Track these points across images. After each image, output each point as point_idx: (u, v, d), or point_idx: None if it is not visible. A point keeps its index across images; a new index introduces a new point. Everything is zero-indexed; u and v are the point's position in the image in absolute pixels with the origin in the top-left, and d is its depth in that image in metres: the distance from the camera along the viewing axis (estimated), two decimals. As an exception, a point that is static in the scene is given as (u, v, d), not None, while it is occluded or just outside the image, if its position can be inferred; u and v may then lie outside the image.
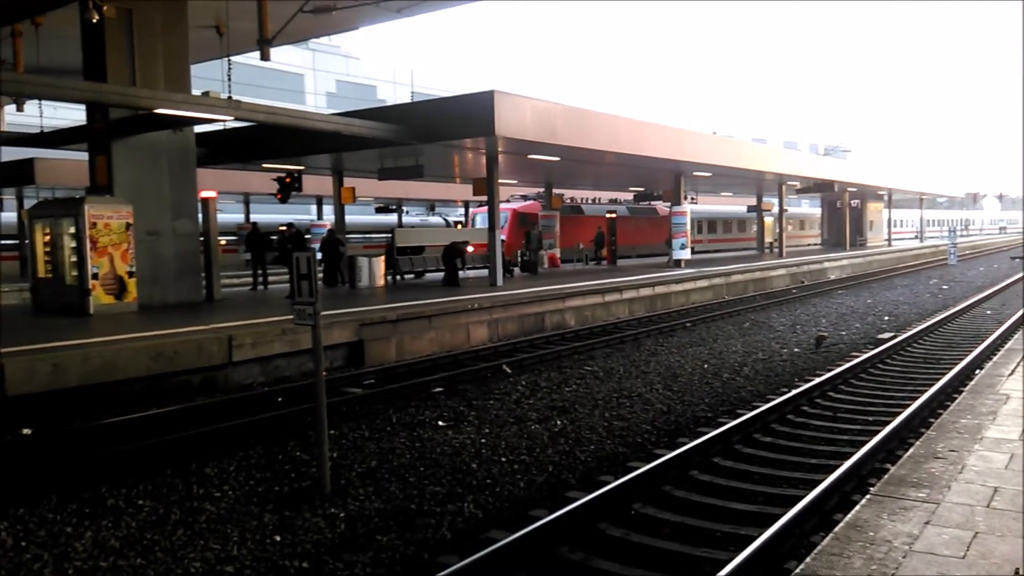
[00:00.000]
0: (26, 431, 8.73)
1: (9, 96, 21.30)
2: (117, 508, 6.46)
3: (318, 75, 51.02)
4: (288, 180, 19.89)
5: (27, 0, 15.64)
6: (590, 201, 38.38)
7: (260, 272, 20.83)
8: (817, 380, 10.52)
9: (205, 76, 19.15)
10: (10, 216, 31.96)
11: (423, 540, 5.72)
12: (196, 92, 15.25)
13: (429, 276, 24.38)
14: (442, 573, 4.83)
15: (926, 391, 9.55)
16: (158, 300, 15.47)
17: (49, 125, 20.35)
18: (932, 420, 8.04)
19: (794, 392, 9.76)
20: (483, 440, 8.35)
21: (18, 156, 25.58)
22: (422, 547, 5.60)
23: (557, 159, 21.30)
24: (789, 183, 35.00)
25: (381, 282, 20.79)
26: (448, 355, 13.38)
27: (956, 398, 7.86)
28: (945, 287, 26.13)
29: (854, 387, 10.70)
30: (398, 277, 22.89)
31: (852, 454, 7.07)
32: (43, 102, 19.88)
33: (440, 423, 9.13)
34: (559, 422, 9.07)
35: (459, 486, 6.91)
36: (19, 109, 23.09)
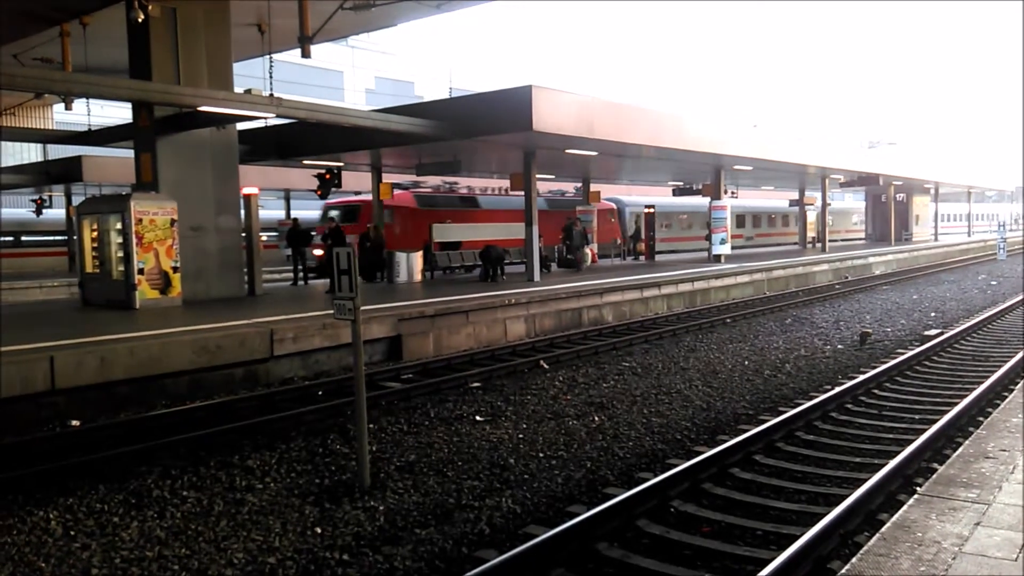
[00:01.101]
0: (75, 423, 8.96)
1: (58, 95, 21.81)
2: (162, 499, 6.59)
3: (357, 72, 51.41)
4: (328, 176, 20.09)
5: (75, 0, 15.99)
6: (497, 191, 30.62)
7: (300, 267, 21.08)
8: (861, 377, 10.32)
9: (247, 74, 19.40)
10: (58, 213, 32.80)
11: (461, 534, 5.73)
12: (238, 89, 15.46)
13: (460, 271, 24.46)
14: (480, 568, 4.83)
15: (975, 389, 9.30)
16: (201, 295, 15.74)
17: (96, 124, 20.85)
18: (982, 419, 7.84)
19: (838, 389, 9.58)
20: (520, 435, 8.35)
21: (66, 154, 26.27)
22: (460, 541, 5.62)
23: (595, 154, 21.18)
24: (832, 176, 34.36)
25: (419, 277, 20.90)
26: (485, 350, 13.40)
27: (1007, 396, 7.65)
28: (994, 283, 25.45)
29: (900, 385, 10.47)
30: (434, 272, 23.00)
31: (898, 453, 6.92)
32: (90, 100, 20.33)
33: (478, 418, 9.15)
34: (597, 418, 9.03)
35: (497, 481, 6.92)
36: (67, 108, 23.61)
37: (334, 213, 26.34)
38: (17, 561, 5.39)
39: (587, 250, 24.91)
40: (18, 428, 8.66)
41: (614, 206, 35.97)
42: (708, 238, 27.88)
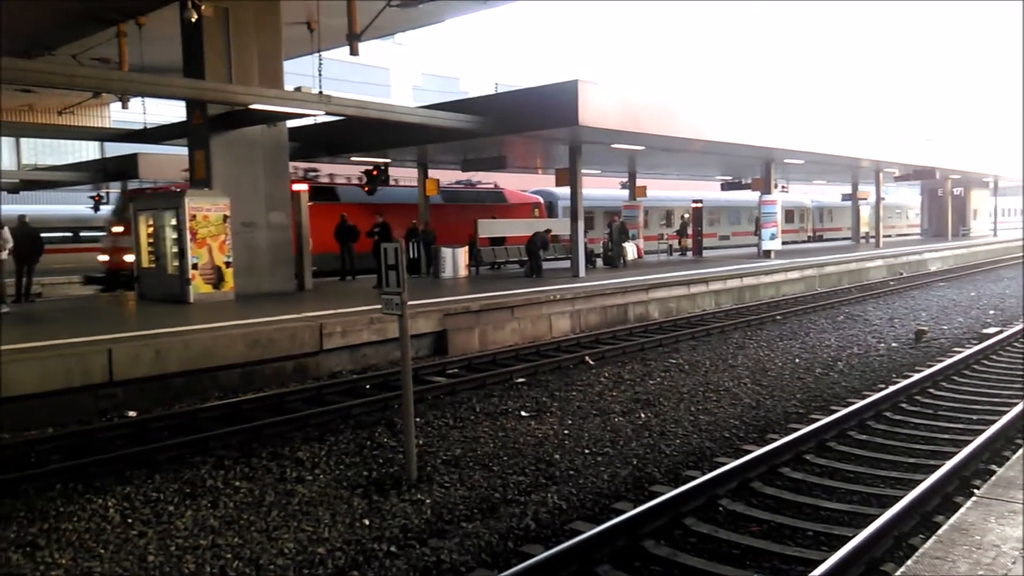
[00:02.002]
0: (131, 413, 9.22)
1: (116, 94, 22.44)
2: (216, 489, 6.74)
3: (403, 68, 51.79)
4: (375, 172, 20.29)
5: (131, 1, 16.40)
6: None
7: (348, 262, 21.30)
8: (917, 376, 10.07)
9: (296, 71, 19.69)
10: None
11: (508, 529, 5.75)
12: (288, 87, 15.70)
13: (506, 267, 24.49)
14: (527, 563, 4.84)
15: (1037, 389, 9.01)
16: (252, 289, 16.05)
17: (151, 122, 21.37)
18: (1044, 420, 7.59)
19: (892, 388, 9.36)
20: (566, 431, 8.34)
21: (123, 152, 26.96)
22: (507, 536, 5.63)
23: (641, 148, 21.01)
24: (887, 170, 33.54)
25: (464, 272, 20.99)
26: (530, 346, 13.41)
27: (1071, 398, 7.38)
28: (1057, 279, 24.59)
29: (956, 384, 10.19)
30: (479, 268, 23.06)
31: (955, 454, 6.74)
32: (146, 99, 20.83)
33: (523, 413, 9.16)
34: (643, 415, 8.97)
35: (542, 476, 6.92)
36: (124, 106, 24.31)
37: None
38: (77, 547, 5.57)
39: (625, 246, 24.51)
40: (79, 418, 8.94)
41: (539, 200, 31.55)
42: (758, 233, 27.47)
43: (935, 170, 34.48)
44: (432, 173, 24.20)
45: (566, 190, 32.81)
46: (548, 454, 7.54)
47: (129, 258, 17.31)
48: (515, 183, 31.36)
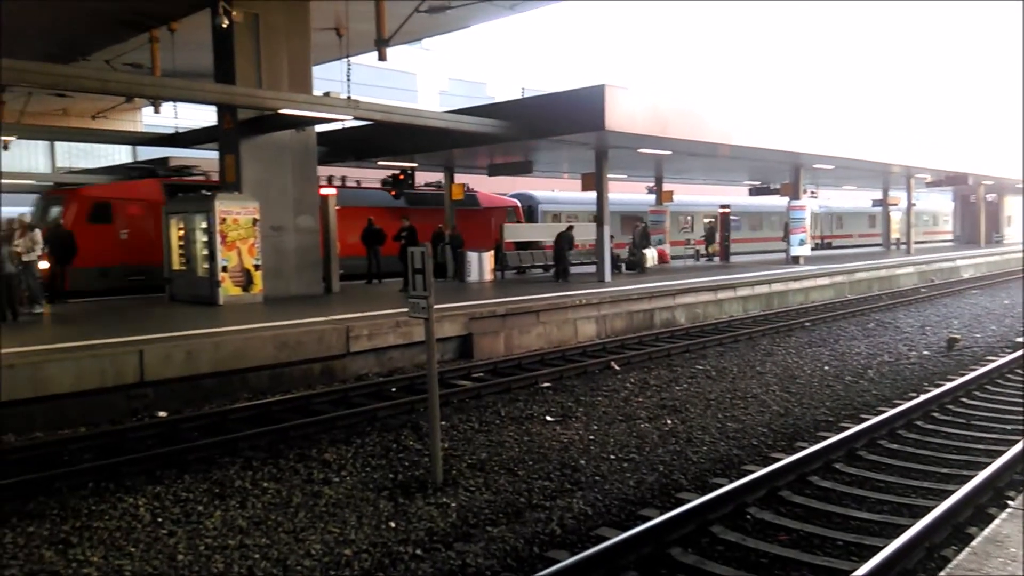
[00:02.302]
0: (162, 414, 9.34)
1: (148, 99, 22.78)
2: (244, 489, 6.80)
3: (430, 73, 52.05)
4: (401, 177, 20.40)
5: (164, 6, 16.66)
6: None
7: (374, 265, 21.42)
8: (949, 385, 9.91)
9: (324, 77, 19.88)
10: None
11: (533, 534, 5.74)
12: (317, 93, 15.85)
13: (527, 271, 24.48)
14: (552, 568, 4.83)
15: (1074, 400, 8.83)
16: (281, 292, 16.20)
17: (182, 126, 21.66)
18: (1081, 431, 7.43)
19: (923, 397, 9.22)
20: (591, 437, 8.31)
21: (154, 156, 27.35)
22: (532, 541, 5.62)
23: (668, 153, 20.92)
24: (918, 176, 33.08)
25: (489, 276, 21.02)
26: (556, 350, 13.39)
27: (1110, 408, 7.22)
28: (1095, 288, 24.07)
29: (990, 393, 10.01)
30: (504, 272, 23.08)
31: (988, 464, 6.62)
32: (177, 104, 21.11)
33: (548, 418, 9.15)
34: (669, 421, 8.91)
35: (568, 482, 6.91)
36: (156, 111, 24.67)
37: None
38: (108, 545, 5.65)
39: (646, 252, 24.20)
40: (111, 418, 9.08)
41: (515, 203, 29.27)
42: (786, 238, 27.23)
43: (968, 176, 33.95)
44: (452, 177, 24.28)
45: (547, 192, 32.14)
46: (573, 459, 7.52)
47: (44, 265, 14.60)
48: (492, 186, 28.95)
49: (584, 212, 31.46)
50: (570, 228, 21.66)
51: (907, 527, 5.34)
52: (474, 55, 53.00)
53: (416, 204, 24.36)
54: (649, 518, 5.76)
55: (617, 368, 12.20)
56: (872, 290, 23.60)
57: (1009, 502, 5.00)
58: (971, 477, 6.32)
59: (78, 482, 6.99)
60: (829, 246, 43.96)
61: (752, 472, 6.68)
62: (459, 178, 27.26)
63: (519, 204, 29.56)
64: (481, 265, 20.81)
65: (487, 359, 12.66)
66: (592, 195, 27.60)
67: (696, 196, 38.30)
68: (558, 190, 33.67)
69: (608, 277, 19.74)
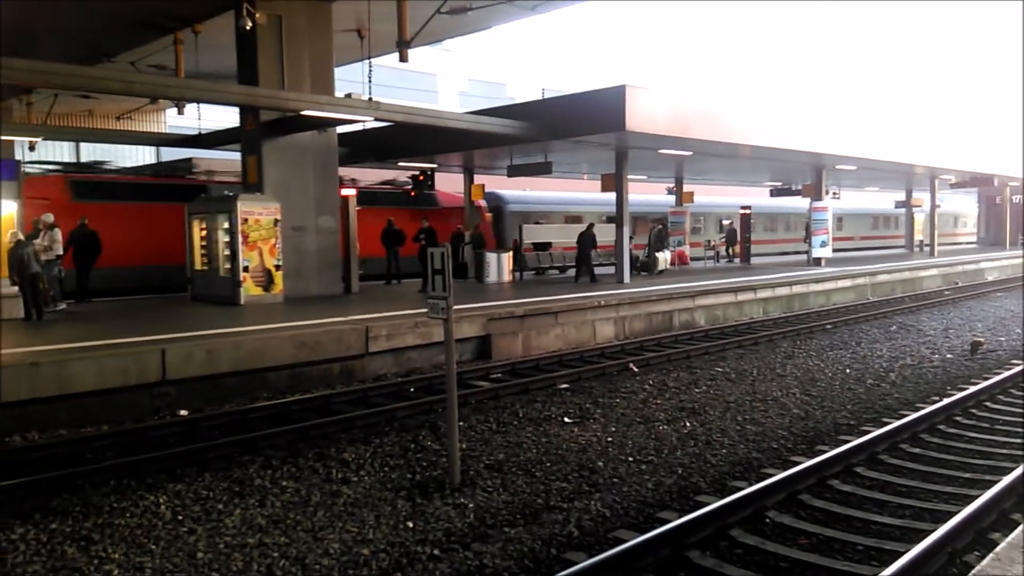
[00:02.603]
0: (183, 412, 9.43)
1: (172, 100, 23.01)
2: (263, 488, 6.85)
3: (450, 74, 52.18)
4: (421, 178, 20.47)
5: (188, 8, 16.83)
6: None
7: (394, 266, 21.50)
8: (972, 389, 9.78)
9: (345, 78, 19.99)
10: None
11: (550, 535, 5.73)
12: (339, 94, 15.94)
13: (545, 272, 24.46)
14: (570, 570, 4.82)
15: (1101, 405, 8.69)
16: (301, 292, 16.31)
17: (205, 127, 21.87)
18: (1109, 437, 7.31)
19: (946, 401, 9.12)
20: (609, 439, 8.29)
21: (177, 156, 27.63)
22: (549, 542, 5.62)
23: (689, 154, 20.83)
24: (942, 177, 32.69)
25: (508, 277, 21.04)
26: (574, 352, 13.37)
27: None
28: (1124, 291, 23.66)
29: (1014, 397, 9.87)
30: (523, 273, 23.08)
31: (1012, 469, 6.53)
32: (200, 105, 21.32)
33: (566, 419, 9.13)
34: (688, 424, 8.87)
35: (586, 483, 6.89)
36: (180, 112, 24.94)
37: None
38: (130, 542, 5.71)
39: (658, 255, 23.86)
40: (133, 416, 9.18)
41: (480, 203, 26.70)
42: (807, 240, 27.02)
43: (993, 177, 33.50)
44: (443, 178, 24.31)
45: (517, 192, 30.02)
46: (591, 461, 7.50)
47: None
48: (457, 184, 27.06)
49: (557, 212, 30.30)
50: (591, 227, 21.50)
51: (929, 532, 5.28)
52: (494, 56, 53.06)
53: (366, 203, 21.82)
54: (667, 521, 5.74)
55: (636, 370, 12.16)
56: (895, 292, 23.36)
57: (1034, 508, 4.94)
58: (995, 482, 6.24)
59: (100, 479, 7.07)
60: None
61: (772, 475, 6.63)
62: (452, 179, 27.01)
63: (483, 204, 27.08)
64: (500, 266, 20.83)
65: (505, 360, 12.67)
66: (567, 195, 26.94)
67: (712, 197, 37.91)
68: (530, 189, 31.43)
69: (627, 278, 19.68)
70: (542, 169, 21.71)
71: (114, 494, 6.73)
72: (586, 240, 20.82)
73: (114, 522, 6.08)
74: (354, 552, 5.50)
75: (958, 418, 8.86)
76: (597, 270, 21.12)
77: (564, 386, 11.03)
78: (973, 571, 3.70)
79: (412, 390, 10.67)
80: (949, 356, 13.06)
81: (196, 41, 18.08)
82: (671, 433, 8.48)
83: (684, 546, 5.37)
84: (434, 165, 21.89)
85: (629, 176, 20.36)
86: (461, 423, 8.54)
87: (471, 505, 6.35)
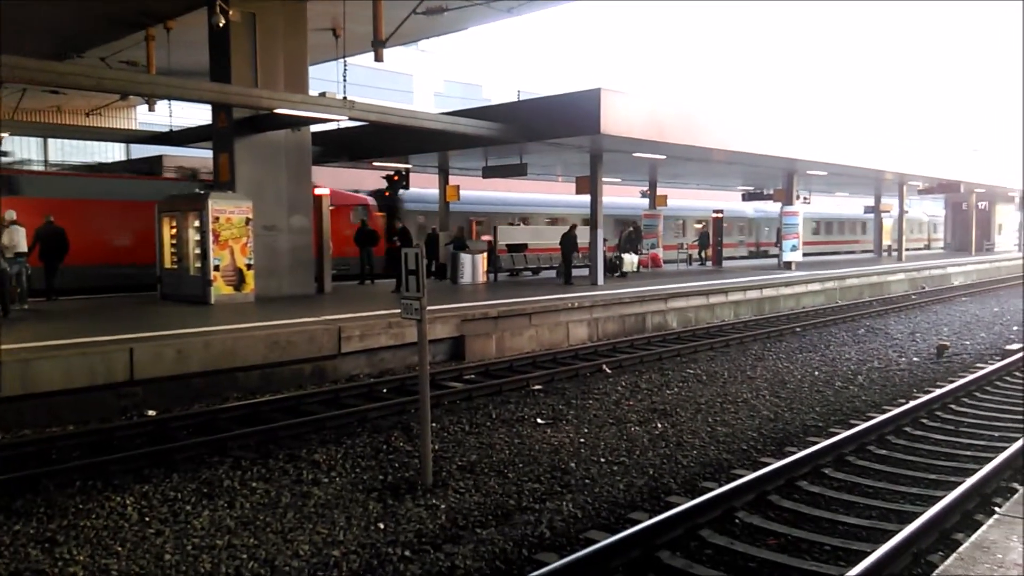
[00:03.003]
0: (151, 412, 9.31)
1: (142, 96, 22.70)
2: (233, 489, 6.78)
3: (426, 75, 52.07)
4: (396, 178, 20.40)
5: (160, 4, 16.63)
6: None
7: (368, 266, 21.41)
8: (938, 392, 9.96)
9: (320, 77, 19.86)
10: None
11: (522, 536, 5.74)
12: (313, 93, 15.84)
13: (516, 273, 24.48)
14: (541, 571, 4.83)
15: (1061, 408, 8.88)
16: (273, 292, 16.16)
17: (176, 124, 21.61)
18: (1068, 439, 7.47)
19: (912, 403, 9.27)
20: (582, 440, 8.32)
21: (148, 153, 27.25)
22: (521, 543, 5.62)
23: (663, 157, 20.97)
24: (911, 183, 33.25)
25: (483, 279, 21.03)
26: (548, 353, 13.40)
27: (1097, 417, 7.27)
28: (1084, 296, 24.22)
29: (978, 400, 10.06)
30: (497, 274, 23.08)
31: (975, 471, 6.65)
32: (172, 102, 21.07)
33: (539, 421, 9.15)
34: (660, 425, 8.93)
35: (558, 484, 6.91)
36: (151, 109, 24.61)
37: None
38: (95, 544, 5.62)
39: (624, 257, 23.86)
40: (100, 416, 9.04)
41: (367, 200, 25.66)
42: (779, 244, 27.32)
43: (960, 183, 34.15)
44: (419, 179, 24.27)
45: (416, 190, 27.04)
46: (564, 462, 7.52)
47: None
48: (348, 179, 26.54)
49: (460, 213, 28.80)
50: (573, 228, 21.51)
51: (894, 532, 5.36)
52: (471, 57, 53.02)
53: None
54: (638, 521, 5.77)
55: (609, 371, 12.22)
56: (863, 296, 23.70)
57: (996, 508, 5.02)
58: (959, 483, 6.36)
59: (65, 480, 6.95)
60: (766, 254, 40.68)
61: (741, 476, 6.70)
62: (425, 178, 26.48)
63: (372, 202, 25.84)
64: (474, 267, 20.82)
65: (479, 361, 12.66)
66: (478, 194, 26.32)
67: (680, 200, 38.10)
68: (434, 188, 28.04)
69: (601, 280, 19.76)
70: (517, 171, 21.73)
71: (80, 495, 6.63)
72: (568, 242, 20.85)
73: (79, 523, 5.98)
74: (324, 554, 5.46)
75: (924, 420, 9.01)
76: (547, 273, 21.11)
77: (537, 387, 11.04)
78: (936, 571, 3.77)
79: (385, 391, 10.63)
80: (915, 359, 13.28)
81: (168, 38, 17.86)
82: (643, 434, 8.52)
83: (654, 547, 5.40)
84: (408, 165, 21.82)
85: (604, 179, 20.45)
86: (434, 424, 8.52)
87: (443, 506, 6.34)
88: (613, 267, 23.36)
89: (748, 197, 31.52)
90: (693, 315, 17.73)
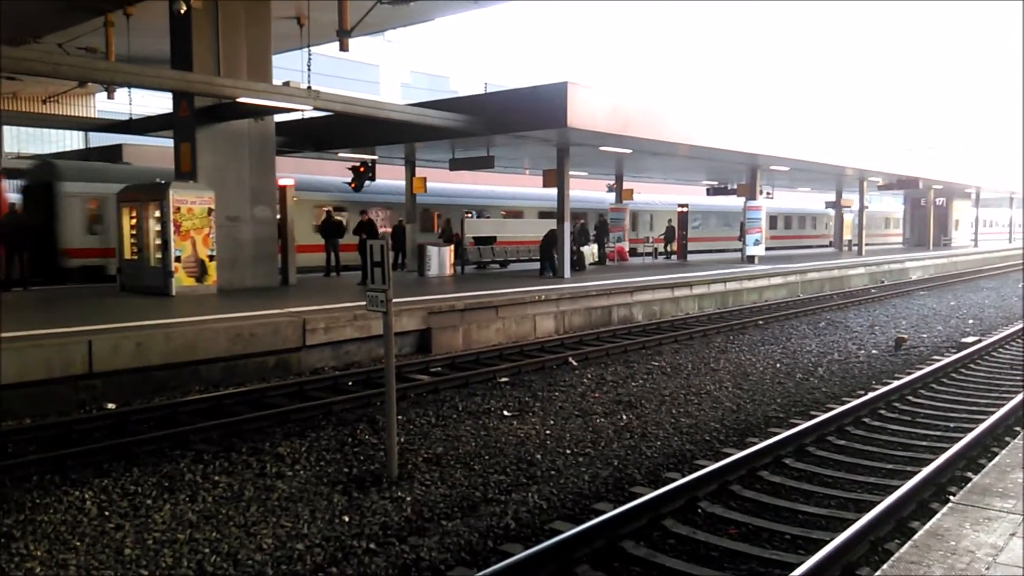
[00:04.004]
0: (111, 406, 9.14)
1: (101, 84, 22.22)
2: (195, 483, 6.70)
3: (393, 66, 51.69)
4: (362, 169, 20.24)
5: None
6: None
7: (333, 258, 21.22)
8: (896, 383, 10.16)
9: (285, 66, 19.61)
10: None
11: (487, 528, 5.75)
12: (277, 82, 15.64)
13: (493, 267, 24.49)
14: (506, 562, 4.85)
15: (1012, 398, 9.12)
16: (236, 284, 15.97)
17: (136, 113, 21.19)
18: (1019, 428, 7.70)
19: (871, 395, 9.44)
20: (548, 431, 8.35)
21: (107, 142, 26.71)
22: (486, 535, 5.64)
23: (629, 151, 21.07)
24: (871, 179, 33.85)
25: (449, 271, 20.98)
26: (514, 345, 13.42)
27: (1046, 407, 7.48)
28: (1036, 291, 24.90)
29: (935, 392, 10.30)
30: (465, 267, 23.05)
31: (931, 461, 6.82)
32: (132, 90, 20.65)
33: (505, 413, 9.17)
34: (625, 416, 9.00)
35: (524, 476, 6.93)
36: (110, 97, 24.08)
37: None
38: (53, 539, 5.52)
39: (583, 249, 23.77)
40: (58, 409, 8.86)
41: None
42: (742, 238, 27.66)
43: (918, 180, 34.85)
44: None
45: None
46: (530, 454, 7.55)
47: None
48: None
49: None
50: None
51: (853, 521, 5.47)
52: (438, 49, 52.74)
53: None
54: (603, 512, 5.82)
55: (575, 364, 12.28)
56: (824, 290, 24.09)
57: (950, 497, 5.15)
58: (915, 473, 6.51)
59: (22, 475, 6.81)
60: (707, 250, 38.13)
61: (704, 467, 6.78)
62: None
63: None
64: (441, 259, 20.76)
65: (445, 353, 12.64)
66: (329, 179, 25.76)
67: (657, 195, 38.44)
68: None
69: (567, 273, 19.83)
70: (484, 163, 21.69)
71: (37, 490, 6.49)
72: (550, 238, 20.84)
73: (37, 518, 5.86)
74: (288, 547, 5.42)
75: (882, 411, 9.19)
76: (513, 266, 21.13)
77: (504, 379, 11.06)
78: (892, 558, 3.86)
79: (350, 383, 10.56)
80: (874, 352, 13.54)
81: (128, 24, 17.49)
82: (608, 426, 8.58)
83: (619, 536, 5.45)
84: (374, 157, 21.66)
85: (571, 172, 20.48)
86: (400, 417, 8.48)
87: (408, 499, 6.32)
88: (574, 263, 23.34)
89: (712, 192, 31.83)
90: (658, 308, 17.88)
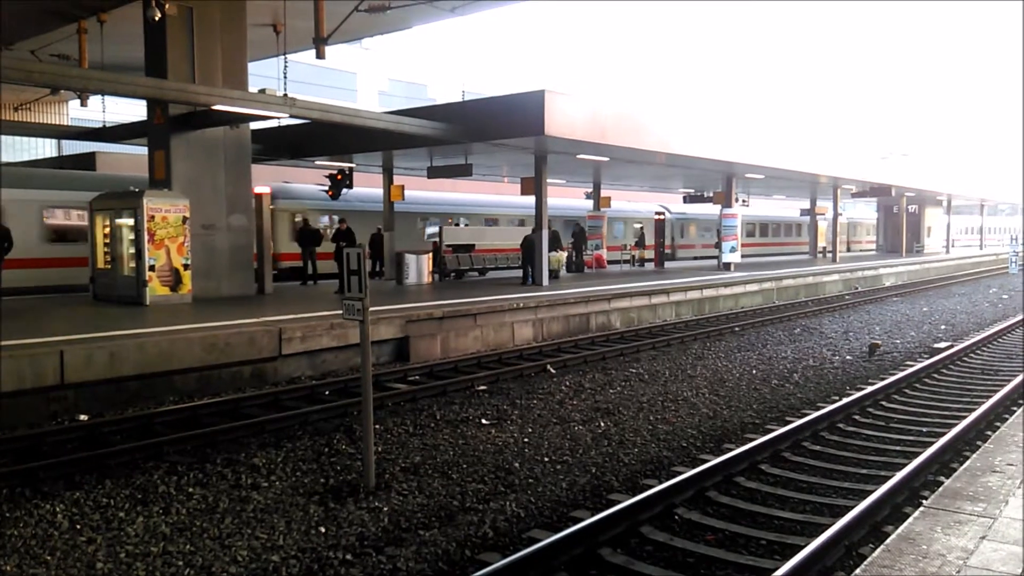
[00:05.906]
0: (83, 417, 9.01)
1: (74, 91, 21.98)
2: (168, 495, 6.62)
3: (370, 73, 51.60)
4: (339, 177, 20.15)
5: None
6: None
7: (310, 266, 21.11)
8: (869, 389, 10.27)
9: (261, 74, 19.51)
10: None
11: (465, 537, 5.74)
12: (253, 89, 15.55)
13: (475, 275, 24.48)
14: (484, 571, 4.83)
15: (984, 403, 9.25)
16: (212, 293, 15.81)
17: (110, 121, 20.97)
18: (989, 433, 7.81)
19: (845, 400, 9.54)
20: (526, 439, 8.35)
21: (81, 150, 26.39)
22: (464, 544, 5.62)
23: (606, 159, 21.18)
24: (844, 186, 34.26)
25: (428, 279, 20.93)
26: (493, 353, 13.41)
27: (1015, 410, 7.60)
28: (1005, 297, 25.30)
29: (908, 397, 10.42)
30: (444, 275, 23.00)
31: (904, 465, 6.90)
32: (106, 97, 20.44)
33: (483, 421, 9.15)
34: (603, 424, 9.02)
35: (501, 484, 6.92)
36: (83, 104, 23.82)
37: None
38: (23, 553, 5.43)
39: (551, 255, 23.64)
40: (28, 421, 8.72)
41: None
42: (718, 245, 27.86)
43: (891, 187, 35.31)
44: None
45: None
46: (508, 462, 7.54)
47: None
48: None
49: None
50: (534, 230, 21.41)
51: (827, 526, 5.52)
52: (415, 56, 52.75)
53: None
54: (580, 519, 5.82)
55: (553, 371, 12.29)
56: (799, 297, 24.33)
57: (923, 501, 5.22)
58: (889, 477, 6.58)
59: (-9, 488, 6.69)
60: (671, 257, 36.73)
61: (681, 473, 6.81)
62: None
63: None
64: (419, 268, 20.71)
65: (423, 362, 12.60)
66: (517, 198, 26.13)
67: (634, 204, 38.58)
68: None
69: (546, 281, 19.86)
70: (462, 171, 21.69)
71: (6, 503, 6.38)
72: (531, 245, 20.81)
73: (6, 532, 5.76)
74: (263, 559, 5.37)
75: (856, 417, 9.29)
76: (493, 274, 21.09)
77: (482, 388, 11.05)
78: (866, 562, 3.90)
79: (327, 393, 10.49)
80: (849, 357, 13.68)
81: (102, 31, 17.32)
82: (586, 433, 8.60)
83: (596, 544, 5.46)
84: (352, 165, 21.59)
85: (549, 180, 20.54)
86: (377, 426, 8.45)
87: (385, 509, 6.29)
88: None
89: (689, 199, 32.04)
90: (636, 315, 17.96)
